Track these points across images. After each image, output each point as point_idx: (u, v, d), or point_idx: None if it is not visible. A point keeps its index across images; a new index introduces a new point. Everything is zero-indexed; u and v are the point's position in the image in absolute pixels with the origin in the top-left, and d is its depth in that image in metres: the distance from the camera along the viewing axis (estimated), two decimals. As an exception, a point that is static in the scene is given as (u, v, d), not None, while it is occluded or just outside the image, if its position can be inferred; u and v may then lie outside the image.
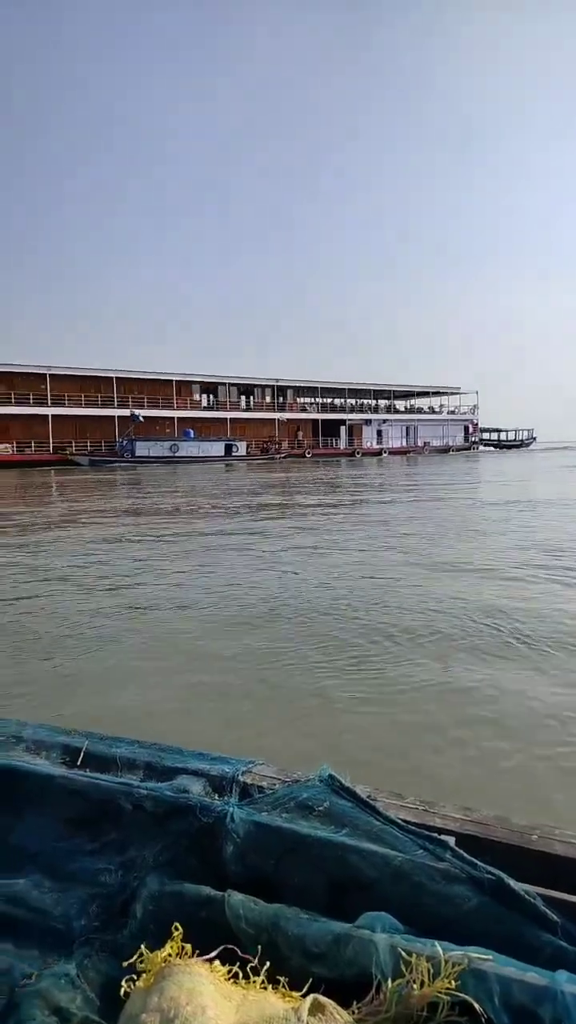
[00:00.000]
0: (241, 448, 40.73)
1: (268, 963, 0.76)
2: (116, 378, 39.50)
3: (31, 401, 36.57)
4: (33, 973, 0.78)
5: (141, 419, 37.81)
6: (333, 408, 51.32)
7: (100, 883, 0.92)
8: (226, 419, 43.86)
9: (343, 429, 50.45)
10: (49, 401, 37.14)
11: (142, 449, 36.74)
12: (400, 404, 57.04)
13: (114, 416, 38.71)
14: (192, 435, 39.71)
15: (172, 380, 41.62)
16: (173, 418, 41.27)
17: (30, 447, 36.16)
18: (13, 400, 36.06)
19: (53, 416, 37.08)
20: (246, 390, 46.37)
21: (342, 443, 50.26)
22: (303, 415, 48.88)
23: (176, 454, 37.40)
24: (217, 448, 39.58)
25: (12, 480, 24.63)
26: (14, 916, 0.90)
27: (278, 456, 42.36)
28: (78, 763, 1.15)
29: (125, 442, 37.16)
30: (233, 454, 39.88)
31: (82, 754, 1.16)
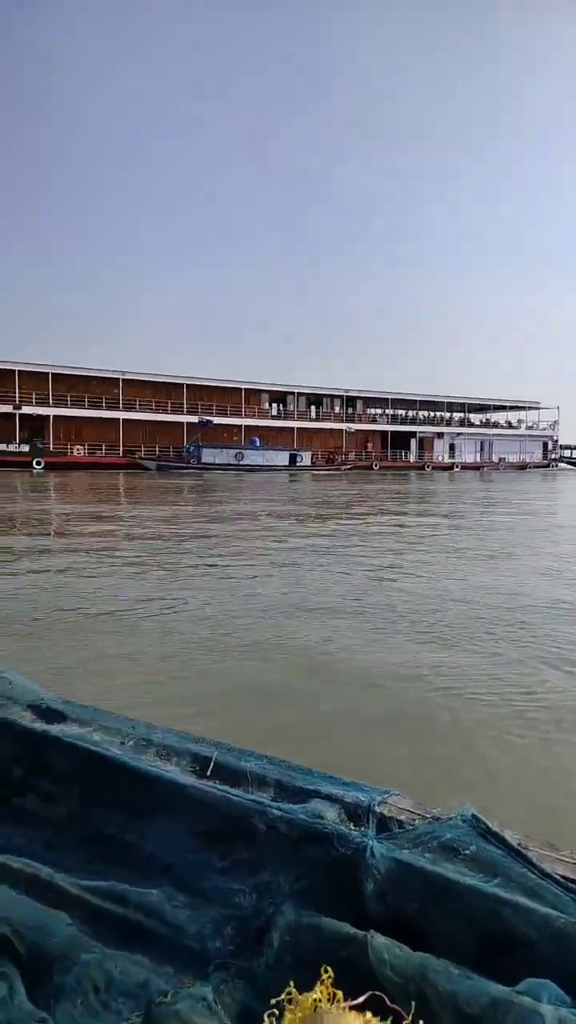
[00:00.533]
0: (306, 458, 40.44)
1: (421, 1021, 0.72)
2: (187, 385, 40.09)
3: (104, 405, 37.62)
4: (169, 991, 0.78)
5: (212, 424, 38.17)
6: (404, 420, 50.27)
7: (234, 904, 0.91)
8: (293, 428, 43.69)
9: (413, 442, 49.31)
10: (121, 405, 38.09)
11: (208, 456, 37.05)
12: (476, 418, 55.23)
13: (183, 422, 39.27)
14: (258, 443, 39.74)
15: (241, 388, 41.86)
16: (240, 426, 41.46)
17: (101, 450, 37.16)
18: (87, 403, 37.20)
19: (124, 420, 37.99)
20: (315, 400, 46.08)
21: (412, 456, 49.11)
22: (372, 426, 48.11)
23: (241, 462, 37.49)
24: (282, 457, 39.44)
25: (88, 481, 25.25)
26: (148, 928, 0.89)
27: (343, 467, 41.78)
28: (208, 773, 1.13)
29: (192, 448, 37.59)
30: (298, 464, 39.63)
31: (212, 764, 1.14)
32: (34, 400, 35.71)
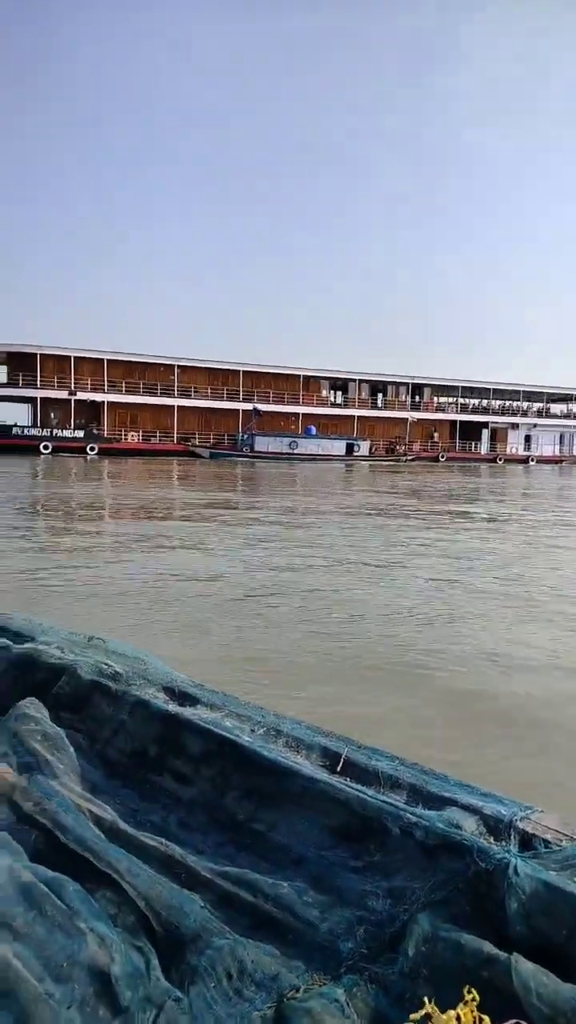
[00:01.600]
0: (363, 448, 38.74)
1: None
2: (243, 372, 39.25)
3: (159, 391, 37.40)
4: (300, 987, 0.78)
5: (261, 413, 37.18)
6: (475, 410, 47.42)
7: (367, 907, 0.90)
8: (353, 417, 41.99)
9: (485, 432, 46.39)
10: (176, 392, 37.76)
11: (261, 444, 36.14)
12: (557, 408, 51.41)
13: (238, 410, 38.50)
14: (314, 432, 38.42)
15: (300, 375, 40.56)
16: (298, 414, 40.21)
17: (155, 437, 36.99)
18: (142, 390, 37.09)
19: (179, 407, 37.65)
20: (379, 388, 44.10)
21: (483, 447, 46.29)
22: (439, 415, 45.62)
23: (295, 451, 36.33)
24: (338, 447, 37.95)
25: (142, 467, 24.94)
26: (279, 920, 0.89)
27: (405, 458, 39.77)
28: (337, 769, 1.11)
29: (245, 436, 36.78)
30: (355, 454, 38.02)
31: (342, 760, 1.12)
32: (89, 386, 35.92)
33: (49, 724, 1.33)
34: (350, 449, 38.13)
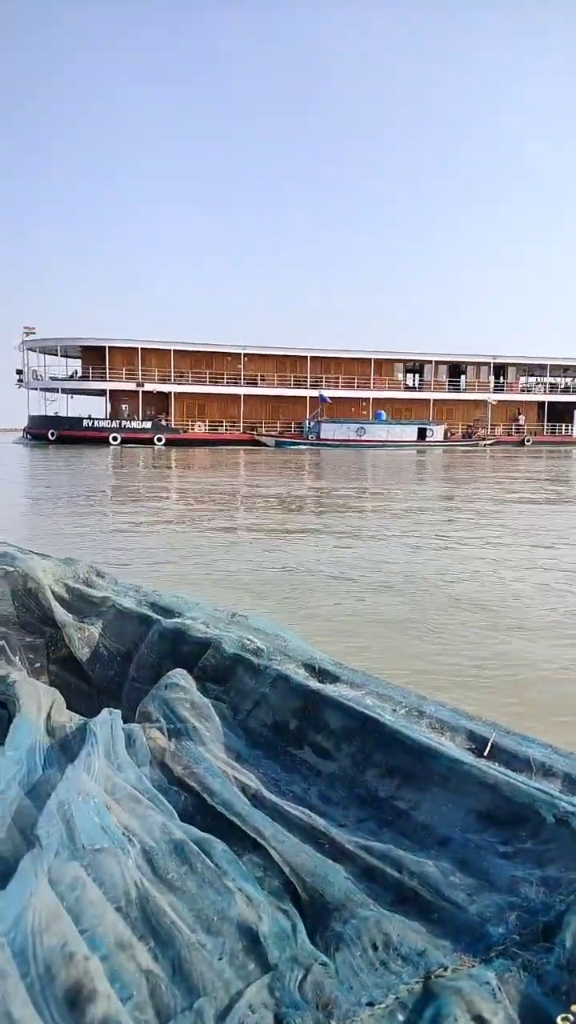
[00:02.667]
0: (437, 432, 36.76)
1: None
2: (311, 357, 38.28)
3: (225, 381, 37.22)
4: (448, 966, 0.77)
5: (328, 400, 36.10)
6: (566, 389, 43.89)
7: (518, 893, 0.88)
8: (429, 400, 39.95)
9: (577, 414, 42.90)
10: (242, 380, 37.42)
11: (328, 431, 35.16)
12: None
13: (306, 397, 37.63)
14: (384, 417, 36.88)
15: (371, 358, 39.03)
16: (368, 399, 38.77)
17: (222, 426, 36.89)
18: (208, 380, 37.05)
19: (246, 396, 37.32)
20: (457, 369, 41.69)
21: (575, 430, 42.85)
22: (525, 397, 42.54)
23: (362, 437, 35.04)
24: (409, 432, 36.23)
25: (207, 457, 24.87)
26: (424, 898, 0.89)
27: (483, 443, 37.39)
28: (484, 753, 1.11)
29: (311, 424, 35.91)
30: (428, 438, 36.16)
31: (489, 744, 1.12)
32: (157, 377, 36.30)
33: (196, 694, 1.39)
34: (422, 434, 36.32)
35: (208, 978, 0.72)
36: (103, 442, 33.34)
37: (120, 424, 34.40)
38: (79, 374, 37.16)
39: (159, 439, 33.99)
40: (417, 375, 41.44)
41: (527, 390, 43.24)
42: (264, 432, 36.22)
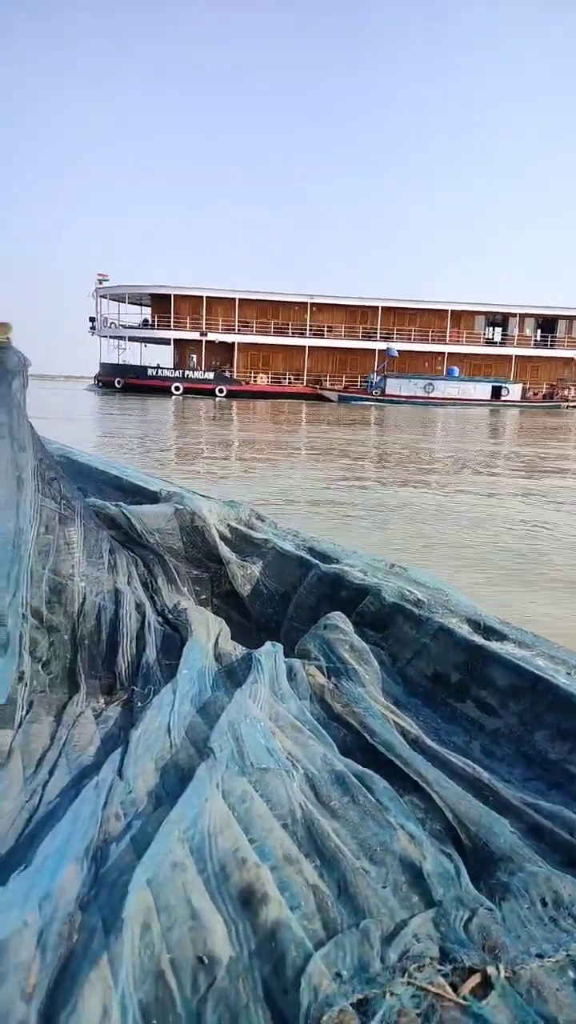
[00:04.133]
0: (514, 391, 33.99)
1: None
2: (382, 308, 36.24)
3: (290, 332, 36.08)
4: None
5: (395, 354, 34.16)
6: None
7: None
8: (511, 356, 36.93)
9: None
10: (308, 332, 36.12)
11: (393, 387, 33.38)
12: None
13: (375, 350, 35.83)
14: (457, 373, 34.51)
15: (447, 310, 36.42)
16: (443, 353, 36.35)
17: (286, 378, 35.95)
18: (273, 330, 36.04)
19: (311, 348, 36.06)
20: (547, 323, 38.13)
21: None
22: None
23: (431, 394, 33.01)
24: (481, 389, 33.72)
25: (265, 409, 24.43)
26: None
27: (565, 404, 34.24)
28: None
29: (378, 379, 34.22)
30: (503, 398, 33.54)
31: None
32: (221, 327, 35.73)
33: (355, 637, 1.40)
34: (496, 393, 33.71)
35: (373, 902, 0.73)
36: (166, 391, 33.39)
37: (183, 374, 34.28)
38: (149, 323, 37.27)
39: (220, 390, 33.60)
40: (500, 329, 38.30)
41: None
42: (329, 386, 34.95)
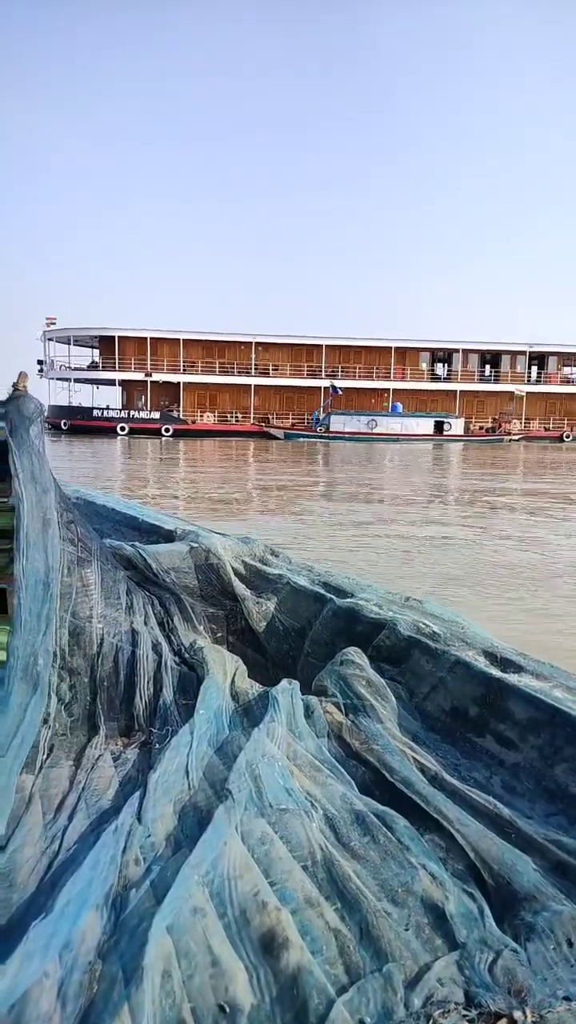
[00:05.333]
0: (456, 426, 34.37)
1: None
2: (326, 346, 36.71)
3: (235, 371, 36.33)
4: None
5: (339, 391, 34.49)
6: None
7: None
8: (455, 392, 37.45)
9: (630, 407, 39.04)
10: (253, 371, 36.40)
11: (337, 423, 33.61)
12: None
13: (321, 387, 36.16)
14: (400, 409, 34.88)
15: (391, 347, 36.99)
16: (388, 390, 36.78)
17: (234, 417, 36.05)
18: (218, 370, 36.28)
19: (257, 386, 36.30)
20: (491, 359, 38.85)
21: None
22: (566, 388, 39.14)
23: (374, 430, 33.25)
24: (424, 424, 34.06)
25: (209, 447, 24.29)
26: None
27: (508, 437, 34.68)
28: None
29: (323, 416, 34.46)
30: (446, 432, 33.88)
31: None
32: (166, 367, 35.88)
33: (372, 672, 1.39)
34: (439, 427, 34.05)
35: (395, 946, 0.72)
36: (112, 432, 33.26)
37: (129, 414, 34.24)
38: (97, 364, 37.35)
39: (167, 430, 33.57)
40: (445, 365, 38.92)
41: (567, 381, 39.75)
42: (276, 423, 35.09)
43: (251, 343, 36.31)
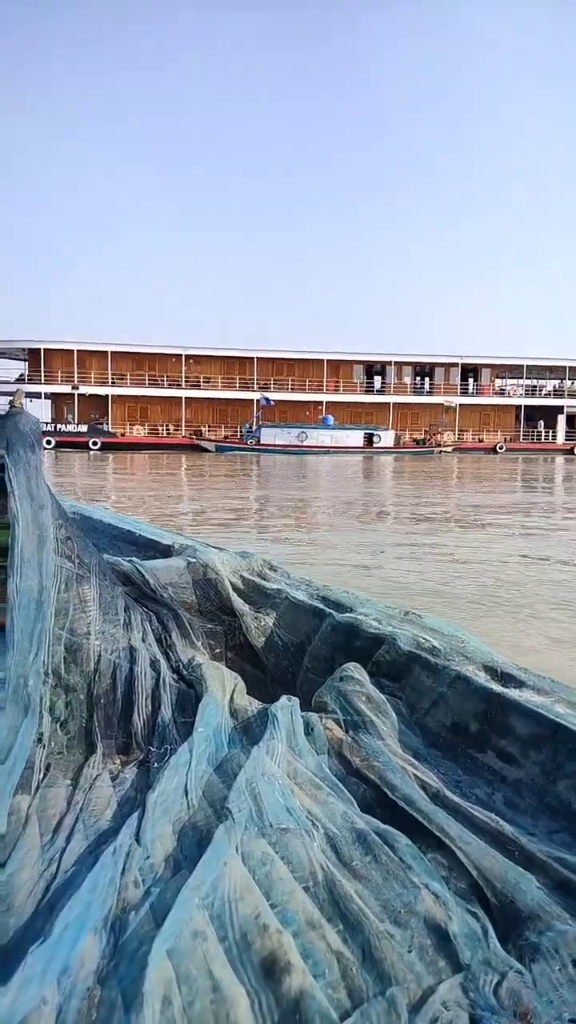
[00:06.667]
0: (386, 438, 34.40)
1: None
2: (258, 358, 36.51)
3: (166, 383, 35.88)
4: None
5: (270, 403, 34.28)
6: (548, 393, 40.72)
7: None
8: (389, 404, 37.55)
9: (561, 418, 39.64)
10: (184, 383, 35.99)
11: (268, 436, 33.35)
12: None
13: (253, 400, 35.91)
14: (331, 421, 34.79)
15: (323, 359, 36.96)
16: (321, 402, 36.69)
17: (164, 430, 35.55)
18: (147, 382, 35.78)
19: (188, 399, 35.88)
20: (424, 371, 39.11)
21: (559, 436, 39.65)
22: (498, 400, 39.60)
23: (304, 443, 33.07)
24: (355, 437, 34.00)
25: (141, 461, 23.63)
26: None
27: (437, 450, 34.85)
28: None
29: (254, 428, 34.20)
30: (375, 445, 33.88)
31: None
32: (94, 380, 35.25)
33: (372, 688, 1.39)
34: (369, 440, 34.03)
35: (399, 968, 0.72)
36: (38, 446, 32.42)
37: (56, 428, 33.48)
38: (24, 377, 36.50)
39: (94, 443, 32.88)
40: (379, 377, 39.05)
41: (500, 393, 40.24)
42: (209, 436, 34.70)
43: (181, 355, 35.90)
